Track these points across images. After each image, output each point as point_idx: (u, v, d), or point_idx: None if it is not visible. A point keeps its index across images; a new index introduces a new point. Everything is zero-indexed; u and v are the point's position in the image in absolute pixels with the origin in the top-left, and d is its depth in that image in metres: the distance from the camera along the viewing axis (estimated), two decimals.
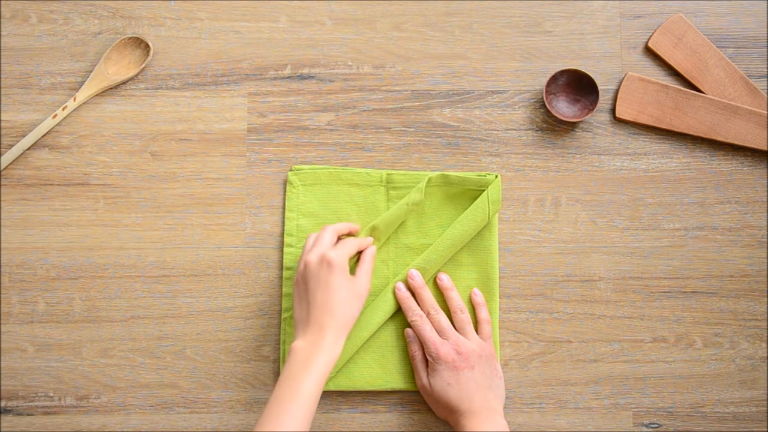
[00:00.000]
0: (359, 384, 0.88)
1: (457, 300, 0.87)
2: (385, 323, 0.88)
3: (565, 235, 0.91)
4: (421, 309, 0.86)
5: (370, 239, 0.87)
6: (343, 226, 0.86)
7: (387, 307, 0.87)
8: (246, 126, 0.92)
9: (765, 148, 0.92)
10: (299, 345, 0.77)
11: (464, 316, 0.86)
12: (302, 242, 0.90)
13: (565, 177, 0.92)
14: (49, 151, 0.91)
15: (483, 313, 0.87)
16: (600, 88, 0.92)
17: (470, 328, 0.86)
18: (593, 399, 0.90)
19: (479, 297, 0.88)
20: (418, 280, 0.87)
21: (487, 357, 0.84)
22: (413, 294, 0.87)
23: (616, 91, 0.93)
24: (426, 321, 0.85)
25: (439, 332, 0.85)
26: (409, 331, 0.87)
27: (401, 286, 0.87)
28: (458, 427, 0.81)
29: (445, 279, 0.88)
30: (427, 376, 0.84)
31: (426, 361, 0.85)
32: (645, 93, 0.92)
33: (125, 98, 0.92)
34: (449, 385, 0.82)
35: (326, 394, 0.89)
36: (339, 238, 0.85)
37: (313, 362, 0.75)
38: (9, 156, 0.90)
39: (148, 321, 0.90)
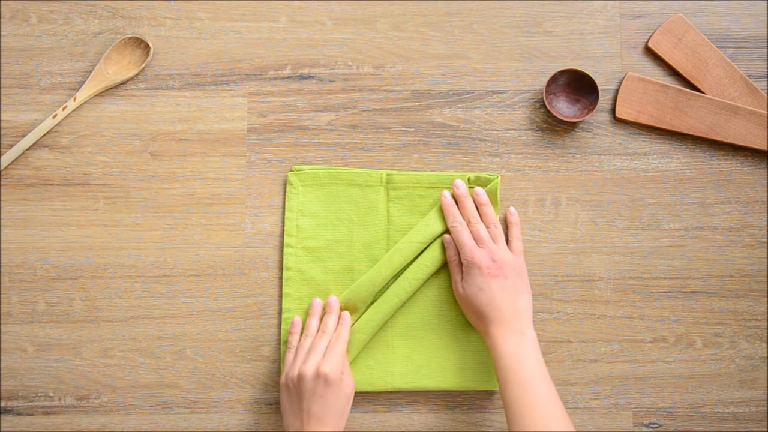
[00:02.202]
0: (359, 384, 0.88)
1: (491, 215, 0.88)
2: (385, 324, 0.89)
3: (565, 235, 0.91)
4: (462, 217, 0.88)
5: (348, 322, 0.87)
6: (330, 305, 0.88)
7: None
8: (246, 126, 0.92)
9: (765, 148, 0.92)
10: None
11: (498, 230, 0.87)
12: (302, 242, 0.90)
13: (565, 177, 0.92)
14: (49, 151, 0.91)
15: (516, 232, 0.89)
16: (600, 88, 0.92)
17: (503, 241, 0.87)
18: (593, 399, 0.90)
19: (514, 216, 0.90)
20: (463, 189, 0.88)
21: (520, 270, 0.86)
22: (456, 202, 0.89)
23: (616, 91, 0.93)
24: (465, 227, 0.87)
25: (477, 240, 0.86)
26: (447, 237, 0.88)
27: (446, 193, 0.89)
28: (487, 336, 0.83)
29: (481, 194, 0.89)
30: (461, 281, 0.85)
31: (461, 266, 0.86)
32: (645, 93, 0.92)
33: (125, 98, 0.92)
34: (481, 290, 0.83)
35: None
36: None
37: None
38: (9, 156, 0.90)
39: (148, 321, 0.90)
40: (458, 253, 0.87)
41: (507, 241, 0.89)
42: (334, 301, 0.88)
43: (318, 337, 0.85)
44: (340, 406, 0.81)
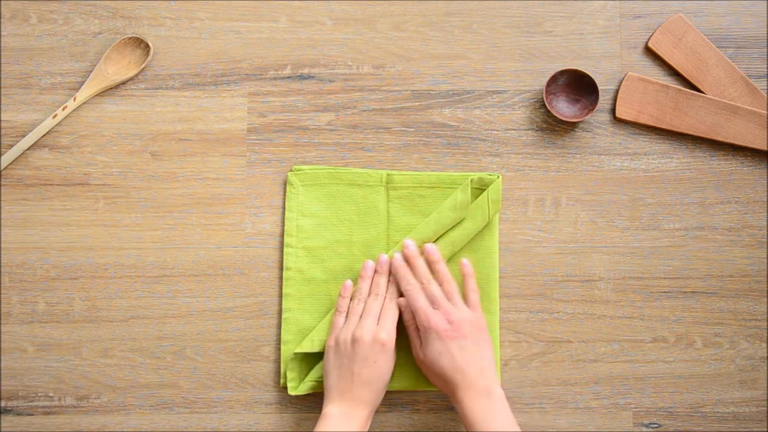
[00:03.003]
0: None
1: (444, 272, 0.86)
2: None
3: (565, 235, 0.91)
4: (415, 279, 0.86)
5: (396, 298, 0.87)
6: (381, 264, 0.88)
7: None
8: (246, 126, 0.92)
9: (765, 148, 0.92)
10: (333, 411, 0.80)
11: (452, 287, 0.86)
12: (302, 242, 0.90)
13: (565, 177, 0.92)
14: (49, 151, 0.91)
15: (471, 284, 0.87)
16: (600, 88, 0.92)
17: (458, 298, 0.85)
18: (593, 399, 0.90)
19: (468, 267, 0.88)
20: (413, 250, 0.87)
21: (479, 326, 0.84)
22: (408, 264, 0.87)
23: (616, 91, 0.93)
24: (419, 291, 0.85)
25: (431, 302, 0.84)
26: (401, 300, 0.86)
27: (397, 255, 0.87)
28: (455, 401, 0.81)
29: (431, 251, 0.87)
30: (420, 347, 0.84)
31: (419, 331, 0.85)
32: (645, 93, 0.92)
33: (125, 98, 0.92)
34: (441, 354, 0.82)
35: None
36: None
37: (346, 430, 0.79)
38: (9, 156, 0.90)
39: (148, 321, 0.90)
40: (414, 318, 0.85)
41: (463, 294, 0.87)
42: (384, 260, 0.87)
43: (371, 300, 0.85)
44: (387, 374, 0.82)
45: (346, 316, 0.86)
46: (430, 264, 0.87)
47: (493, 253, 0.90)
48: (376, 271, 0.88)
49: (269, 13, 0.93)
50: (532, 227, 0.91)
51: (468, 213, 0.88)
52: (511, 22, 0.94)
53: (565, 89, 0.92)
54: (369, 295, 0.86)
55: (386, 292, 0.86)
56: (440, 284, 0.86)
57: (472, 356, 0.82)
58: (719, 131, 0.92)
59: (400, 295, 0.86)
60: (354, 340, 0.82)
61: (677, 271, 0.91)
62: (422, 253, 0.87)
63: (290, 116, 0.92)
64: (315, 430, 0.80)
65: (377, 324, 0.83)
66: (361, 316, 0.84)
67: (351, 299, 0.87)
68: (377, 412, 0.89)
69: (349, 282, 0.88)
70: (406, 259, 0.87)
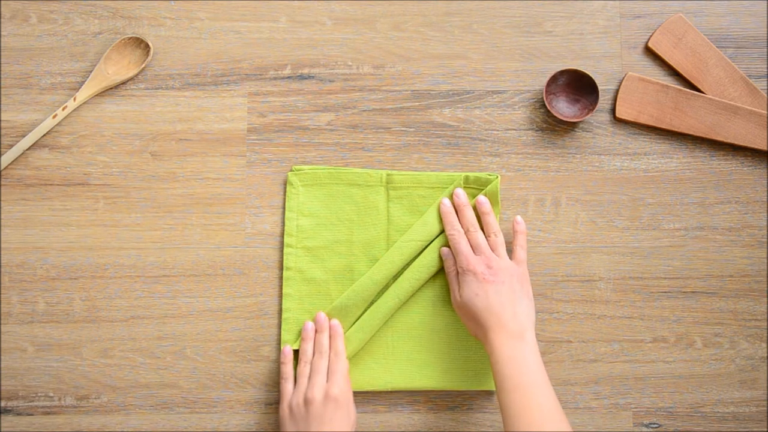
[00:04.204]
0: (359, 384, 0.88)
1: (493, 224, 0.87)
2: (385, 324, 0.89)
3: (565, 235, 0.91)
4: (461, 226, 0.87)
5: (340, 334, 0.86)
6: (319, 323, 0.87)
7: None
8: (246, 126, 0.92)
9: (765, 148, 0.92)
10: None
11: (498, 239, 0.86)
12: (302, 242, 0.90)
13: (565, 177, 0.92)
14: (49, 151, 0.91)
15: (521, 240, 0.87)
16: (600, 88, 0.92)
17: (503, 250, 0.86)
18: (593, 399, 0.90)
19: (520, 225, 0.88)
20: (463, 199, 0.88)
21: (519, 276, 0.84)
22: (456, 211, 0.88)
23: (616, 91, 0.93)
24: (463, 236, 0.86)
25: (475, 249, 0.85)
26: (445, 249, 0.87)
27: (446, 201, 0.88)
28: (486, 342, 0.81)
29: (484, 203, 0.87)
30: (458, 289, 0.85)
31: (458, 276, 0.85)
32: (645, 93, 0.92)
33: (125, 98, 0.92)
34: (477, 296, 0.82)
35: None
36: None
37: None
38: (9, 156, 0.90)
39: (148, 321, 0.90)
40: (456, 264, 0.86)
41: (510, 249, 0.88)
42: (323, 318, 0.87)
43: (316, 359, 0.85)
44: (348, 429, 0.81)
45: (294, 382, 0.85)
46: (480, 215, 0.88)
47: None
48: (316, 331, 0.87)
49: (269, 13, 0.93)
50: (532, 227, 0.91)
51: None
52: (511, 22, 0.94)
53: (565, 89, 0.92)
54: (313, 355, 0.86)
55: (329, 349, 0.86)
56: (487, 236, 0.86)
57: (508, 300, 0.82)
58: (719, 131, 0.92)
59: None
60: (306, 402, 0.81)
61: (677, 271, 0.91)
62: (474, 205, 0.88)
63: (290, 116, 0.92)
64: None
65: (326, 381, 0.83)
66: (309, 377, 0.84)
67: (292, 365, 0.87)
68: (377, 412, 0.89)
69: (287, 347, 0.87)
70: (456, 207, 0.88)
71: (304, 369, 0.85)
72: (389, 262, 0.88)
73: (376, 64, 0.93)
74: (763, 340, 0.91)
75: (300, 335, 0.88)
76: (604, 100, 0.93)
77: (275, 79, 0.93)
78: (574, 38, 0.94)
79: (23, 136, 0.91)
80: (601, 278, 0.91)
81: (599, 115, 0.93)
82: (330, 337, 0.86)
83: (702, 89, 0.92)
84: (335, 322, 0.87)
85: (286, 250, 0.90)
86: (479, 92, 0.93)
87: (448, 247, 0.87)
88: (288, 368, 0.86)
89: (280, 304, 0.90)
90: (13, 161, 0.91)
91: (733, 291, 0.91)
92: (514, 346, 0.79)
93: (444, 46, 0.93)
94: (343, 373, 0.84)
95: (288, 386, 0.85)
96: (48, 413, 0.89)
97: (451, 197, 0.89)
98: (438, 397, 0.90)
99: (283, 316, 0.89)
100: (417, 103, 0.93)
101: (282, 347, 0.87)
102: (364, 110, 0.92)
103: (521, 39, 0.93)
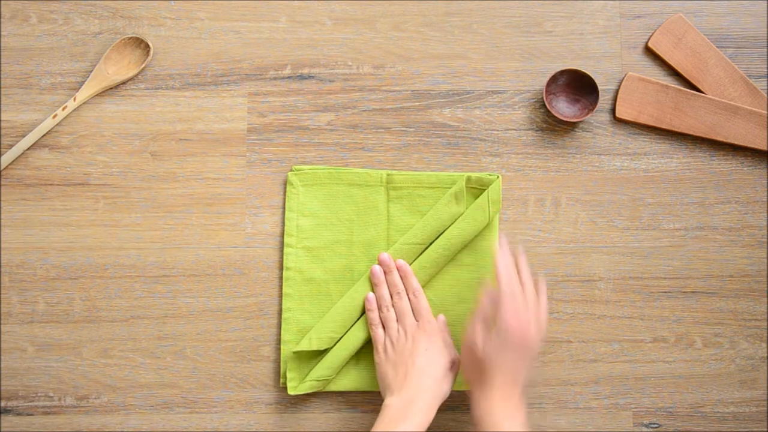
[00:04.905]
0: (359, 384, 0.89)
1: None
2: None
3: (565, 235, 0.91)
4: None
5: (410, 271, 0.88)
6: (385, 264, 0.88)
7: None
8: (246, 126, 0.92)
9: (765, 148, 0.92)
10: (394, 402, 0.80)
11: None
12: (302, 242, 0.90)
13: (565, 177, 0.92)
14: (49, 151, 0.91)
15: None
16: (600, 88, 0.92)
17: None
18: (593, 399, 0.90)
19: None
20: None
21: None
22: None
23: (616, 91, 0.93)
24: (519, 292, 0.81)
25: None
26: (486, 299, 0.83)
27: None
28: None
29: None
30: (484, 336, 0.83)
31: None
32: (645, 93, 0.92)
33: (125, 98, 0.92)
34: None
35: (326, 394, 0.89)
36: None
37: (407, 419, 0.78)
38: (9, 156, 0.90)
39: (148, 321, 0.90)
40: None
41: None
42: (387, 258, 0.88)
43: (396, 301, 0.86)
44: (441, 358, 0.83)
45: (383, 327, 0.86)
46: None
47: (493, 253, 0.90)
48: (385, 273, 0.88)
49: (269, 13, 0.93)
50: (532, 227, 0.91)
51: (468, 213, 0.88)
52: (511, 22, 0.94)
53: (565, 89, 0.92)
54: (391, 297, 0.87)
55: (406, 288, 0.87)
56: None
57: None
58: (719, 131, 0.92)
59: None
60: (400, 345, 0.84)
61: (677, 271, 0.91)
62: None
63: (290, 116, 0.92)
64: (377, 422, 0.79)
65: (416, 321, 0.85)
66: (398, 320, 0.86)
67: (379, 309, 0.87)
68: (377, 412, 0.89)
69: (371, 294, 0.88)
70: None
71: (389, 314, 0.86)
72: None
73: (376, 64, 0.93)
74: (763, 340, 0.91)
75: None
76: (604, 100, 0.93)
77: (275, 79, 0.93)
78: (574, 38, 0.94)
79: (23, 136, 0.91)
80: (601, 278, 0.91)
81: (599, 115, 0.93)
82: (402, 277, 0.88)
83: (702, 89, 0.92)
84: (401, 261, 0.88)
85: (286, 250, 0.90)
86: (479, 92, 0.93)
87: (448, 247, 0.88)
88: (375, 315, 0.87)
89: (280, 304, 0.90)
90: (13, 161, 0.91)
91: (733, 291, 0.91)
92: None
93: (444, 46, 0.93)
94: (428, 309, 0.86)
95: (379, 331, 0.86)
96: (48, 413, 0.89)
97: (450, 189, 0.89)
98: None
99: (283, 316, 0.89)
100: (417, 103, 0.93)
101: (366, 294, 0.88)
102: (364, 110, 0.92)
103: (521, 39, 0.93)
